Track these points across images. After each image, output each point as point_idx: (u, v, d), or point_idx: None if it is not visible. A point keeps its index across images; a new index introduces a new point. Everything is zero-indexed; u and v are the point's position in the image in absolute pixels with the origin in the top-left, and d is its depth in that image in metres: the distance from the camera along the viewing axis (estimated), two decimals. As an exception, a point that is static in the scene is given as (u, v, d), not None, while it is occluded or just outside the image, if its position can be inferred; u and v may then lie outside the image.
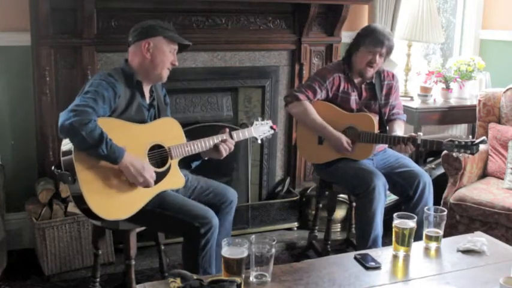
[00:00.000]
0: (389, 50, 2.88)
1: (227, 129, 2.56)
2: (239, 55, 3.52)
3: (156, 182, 2.34)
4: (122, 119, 2.31)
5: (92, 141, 2.12)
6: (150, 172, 2.28)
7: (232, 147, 2.54)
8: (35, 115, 3.11)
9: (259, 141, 2.77)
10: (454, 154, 2.76)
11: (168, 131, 2.46)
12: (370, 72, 2.90)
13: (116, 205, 2.25)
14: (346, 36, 3.09)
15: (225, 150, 2.50)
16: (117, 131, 2.23)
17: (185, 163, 2.55)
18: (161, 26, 2.41)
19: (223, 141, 2.50)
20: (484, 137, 2.77)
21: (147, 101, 2.47)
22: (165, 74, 2.45)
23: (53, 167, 2.30)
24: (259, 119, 2.76)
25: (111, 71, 2.41)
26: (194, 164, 2.61)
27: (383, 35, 2.84)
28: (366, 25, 3.07)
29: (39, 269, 2.99)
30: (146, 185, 2.27)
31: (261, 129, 2.74)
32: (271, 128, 2.78)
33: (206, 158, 2.59)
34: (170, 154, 2.40)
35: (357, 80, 2.97)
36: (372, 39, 2.85)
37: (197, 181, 2.59)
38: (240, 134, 2.62)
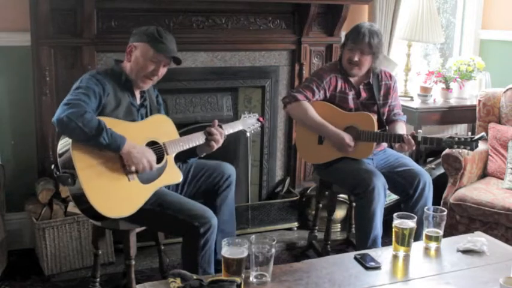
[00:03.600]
0: (372, 47, 2.83)
1: (216, 121, 2.57)
2: (239, 55, 3.52)
3: (154, 179, 2.35)
4: (111, 117, 2.31)
5: (90, 131, 2.12)
6: (151, 155, 2.30)
7: (222, 139, 2.53)
8: (35, 115, 3.11)
9: (248, 135, 2.79)
10: (454, 150, 2.76)
11: (161, 128, 2.48)
12: (354, 70, 2.89)
13: (117, 203, 2.25)
14: (346, 36, 3.11)
15: (216, 142, 2.51)
16: (112, 128, 2.22)
17: (181, 161, 2.57)
18: (152, 33, 2.36)
19: (213, 133, 2.50)
20: (483, 133, 2.79)
21: (138, 100, 2.48)
22: (144, 83, 2.41)
23: (52, 166, 2.30)
24: (246, 112, 2.80)
25: (99, 70, 2.44)
26: (191, 161, 2.62)
27: (363, 33, 2.82)
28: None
29: (39, 269, 3.00)
30: (150, 167, 2.28)
31: (249, 122, 2.76)
32: (258, 120, 2.80)
33: (202, 156, 2.59)
34: (166, 150, 2.41)
35: (354, 80, 2.97)
36: (352, 37, 2.87)
37: (190, 163, 2.60)
38: (230, 128, 2.63)
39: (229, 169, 2.60)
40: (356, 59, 2.85)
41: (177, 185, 2.56)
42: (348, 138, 2.84)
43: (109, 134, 2.16)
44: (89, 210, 2.21)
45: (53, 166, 2.30)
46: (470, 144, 2.67)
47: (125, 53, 2.42)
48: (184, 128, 3.18)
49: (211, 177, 2.55)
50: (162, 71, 2.43)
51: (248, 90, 3.67)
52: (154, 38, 2.36)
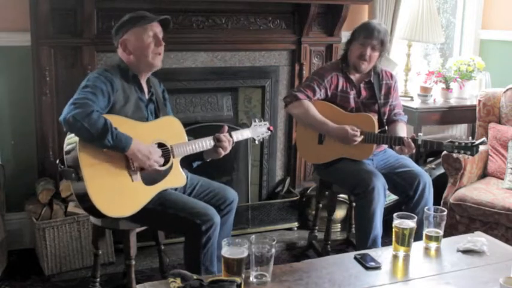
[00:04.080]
0: (382, 43, 2.88)
1: (226, 127, 2.56)
2: (239, 55, 3.52)
3: (158, 180, 2.35)
4: (121, 114, 2.32)
5: (96, 132, 2.12)
6: (157, 154, 2.31)
7: (230, 147, 2.53)
8: (35, 115, 3.11)
9: (257, 142, 2.79)
10: (454, 155, 2.75)
11: (170, 130, 2.47)
12: (364, 65, 2.90)
13: (119, 202, 2.26)
14: (346, 36, 3.09)
15: (223, 149, 2.50)
16: (119, 128, 2.22)
17: (186, 163, 2.56)
18: (130, 18, 2.39)
19: (222, 141, 2.49)
20: (484, 138, 2.78)
21: (146, 96, 2.48)
22: (155, 60, 2.41)
23: (57, 161, 2.31)
24: (257, 120, 2.77)
25: (107, 67, 2.43)
26: (195, 164, 2.62)
27: (374, 28, 2.86)
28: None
29: (39, 269, 3.00)
30: (156, 165, 2.29)
31: (258, 130, 2.75)
32: (268, 129, 2.79)
33: (208, 160, 2.59)
34: (172, 152, 2.41)
35: (355, 79, 2.98)
36: (362, 32, 2.88)
37: (197, 180, 2.60)
38: (239, 135, 2.63)
39: (233, 195, 2.57)
40: (368, 53, 2.86)
41: (183, 193, 2.55)
42: (349, 128, 2.82)
43: (114, 135, 2.15)
44: (91, 208, 2.21)
45: (58, 161, 2.30)
46: (471, 149, 2.67)
47: (121, 51, 2.42)
48: (184, 128, 3.17)
49: (214, 198, 2.53)
50: (162, 40, 2.42)
51: (248, 90, 3.67)
52: (134, 18, 2.38)
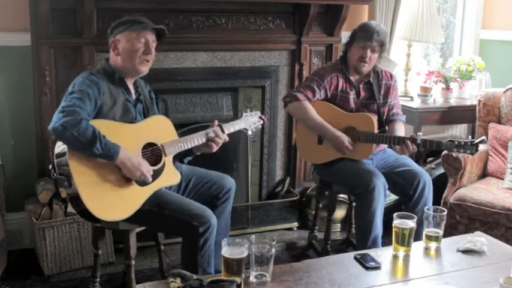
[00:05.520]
0: (382, 44, 2.88)
1: (216, 122, 2.56)
2: (239, 55, 3.52)
3: (152, 180, 2.34)
4: (109, 116, 2.31)
5: (85, 141, 2.11)
6: (146, 167, 2.28)
7: (222, 142, 2.53)
8: (35, 115, 3.11)
9: (250, 133, 2.76)
10: (454, 154, 2.75)
11: (159, 129, 2.46)
12: (364, 67, 2.91)
13: (113, 206, 2.24)
14: (346, 36, 3.10)
15: (216, 144, 2.51)
16: (108, 132, 2.21)
17: (178, 159, 2.56)
18: (126, 20, 2.39)
19: (213, 135, 2.50)
20: (483, 137, 2.77)
21: (133, 96, 2.48)
22: (141, 66, 2.40)
23: (50, 166, 2.30)
24: (248, 110, 2.76)
25: (92, 70, 2.44)
26: (186, 159, 2.63)
27: (373, 30, 2.86)
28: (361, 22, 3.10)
29: (39, 269, 2.99)
30: (144, 179, 2.27)
31: (250, 120, 2.73)
32: (260, 118, 2.78)
33: (198, 153, 2.59)
34: (164, 151, 2.40)
35: (354, 79, 2.98)
36: (362, 34, 2.88)
37: (192, 172, 2.60)
38: (231, 127, 2.62)
39: (230, 182, 2.58)
40: (368, 55, 2.86)
41: (178, 191, 2.55)
42: (346, 140, 2.84)
43: (103, 144, 2.14)
44: (85, 212, 2.20)
45: (50, 166, 2.30)
46: (471, 148, 2.66)
47: (110, 50, 2.42)
48: (184, 128, 3.17)
49: (211, 188, 2.54)
50: (153, 48, 2.42)
51: (248, 90, 3.67)
52: (131, 21, 2.38)
